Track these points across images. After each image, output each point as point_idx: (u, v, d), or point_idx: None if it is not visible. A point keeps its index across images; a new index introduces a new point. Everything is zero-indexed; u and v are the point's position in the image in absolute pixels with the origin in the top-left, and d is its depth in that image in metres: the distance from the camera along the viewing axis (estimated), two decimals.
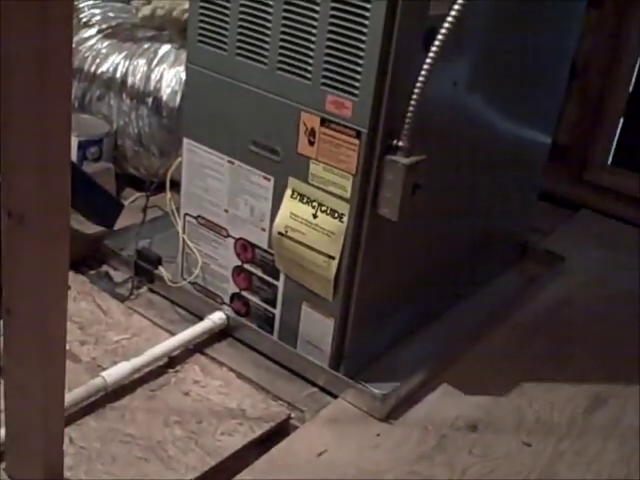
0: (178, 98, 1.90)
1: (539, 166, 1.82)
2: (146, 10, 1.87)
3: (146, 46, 2.00)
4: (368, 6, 1.18)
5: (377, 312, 1.47)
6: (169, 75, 1.93)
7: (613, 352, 1.65)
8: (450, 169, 1.47)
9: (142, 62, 1.97)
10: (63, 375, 1.07)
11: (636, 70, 2.15)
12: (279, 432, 1.35)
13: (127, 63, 1.98)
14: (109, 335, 1.54)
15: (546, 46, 1.61)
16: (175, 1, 1.80)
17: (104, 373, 1.37)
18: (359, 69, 1.22)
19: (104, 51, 2.02)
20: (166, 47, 1.97)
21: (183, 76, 1.91)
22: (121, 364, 1.40)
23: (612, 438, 1.41)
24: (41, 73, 0.84)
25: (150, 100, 1.94)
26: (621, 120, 2.21)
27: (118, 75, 1.98)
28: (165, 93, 1.93)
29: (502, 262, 1.84)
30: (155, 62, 1.96)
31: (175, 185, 1.61)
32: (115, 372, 1.38)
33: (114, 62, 2.00)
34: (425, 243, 1.50)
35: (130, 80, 1.97)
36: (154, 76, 1.95)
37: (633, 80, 2.16)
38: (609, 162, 2.26)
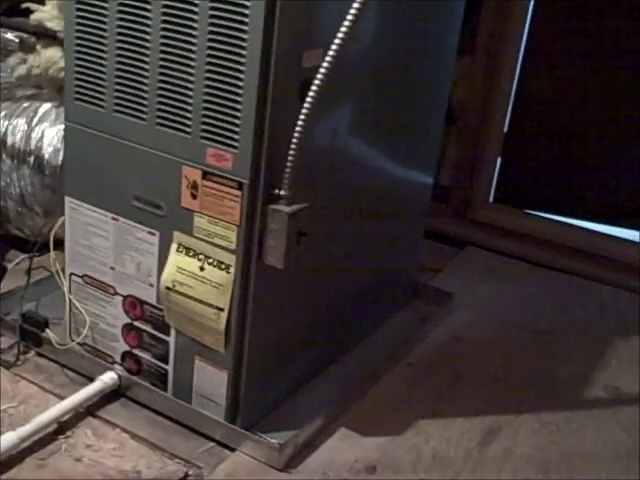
0: (60, 156, 1.87)
1: (423, 206, 1.87)
2: (22, 70, 1.83)
3: (25, 105, 1.96)
4: (243, 60, 1.20)
5: (271, 361, 1.46)
6: (50, 133, 1.90)
7: (503, 384, 1.69)
8: (335, 214, 1.49)
9: (22, 121, 1.93)
10: None
11: (509, 112, 2.25)
12: None
13: (6, 123, 1.94)
14: None
15: (421, 93, 1.67)
16: (51, 59, 1.78)
17: None
18: (237, 122, 1.23)
19: None
20: (46, 105, 1.94)
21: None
22: (7, 435, 1.34)
23: (506, 468, 1.44)
24: None
25: (32, 159, 1.90)
26: (499, 159, 2.30)
27: None
28: (47, 152, 1.89)
29: (394, 302, 1.87)
30: (35, 121, 1.92)
31: (60, 244, 1.58)
32: (1, 444, 1.32)
33: None
34: (315, 289, 1.51)
35: (10, 140, 1.93)
36: (35, 135, 1.91)
37: (507, 121, 2.26)
38: (491, 200, 2.34)
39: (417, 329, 1.83)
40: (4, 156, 1.93)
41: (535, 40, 2.18)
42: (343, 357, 1.66)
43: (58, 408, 1.44)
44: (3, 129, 1.93)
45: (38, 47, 1.80)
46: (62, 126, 1.88)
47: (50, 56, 1.78)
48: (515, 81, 2.22)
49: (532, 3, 2.17)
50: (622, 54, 2.13)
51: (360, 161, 1.54)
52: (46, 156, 1.89)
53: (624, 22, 2.11)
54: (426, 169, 1.82)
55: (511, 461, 1.45)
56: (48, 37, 1.82)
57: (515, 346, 1.84)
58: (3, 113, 1.95)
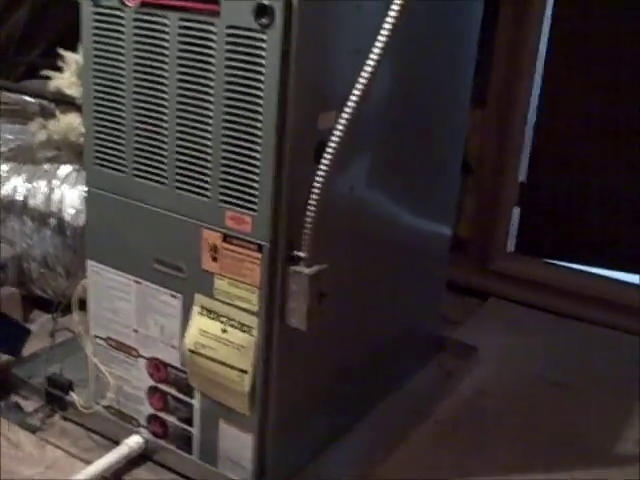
0: (82, 218, 1.89)
1: (443, 259, 1.86)
2: (42, 135, 1.87)
3: (46, 167, 1.99)
4: (259, 125, 1.21)
5: (296, 422, 1.45)
6: (71, 195, 1.93)
7: (530, 440, 1.67)
8: (354, 270, 1.49)
9: (43, 183, 1.96)
10: None
11: (525, 161, 2.25)
12: None
13: (27, 185, 1.97)
14: (20, 470, 1.48)
15: (436, 145, 1.68)
16: (70, 125, 1.81)
17: None
18: (255, 185, 1.25)
19: (4, 174, 2.00)
20: (67, 168, 1.97)
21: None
22: None
23: None
24: None
25: (53, 221, 1.93)
26: (517, 209, 2.29)
27: (19, 198, 1.97)
28: (68, 213, 1.91)
29: (418, 357, 1.86)
30: (56, 183, 1.95)
31: (84, 305, 1.58)
32: None
33: (14, 185, 1.98)
34: (338, 347, 1.51)
35: (31, 202, 1.95)
36: (55, 197, 1.93)
37: (525, 170, 2.26)
38: (511, 250, 2.34)
39: (442, 384, 1.81)
40: (26, 218, 1.96)
41: (549, 88, 2.20)
42: (368, 415, 1.64)
43: (85, 474, 1.43)
44: (25, 192, 1.96)
45: (57, 113, 1.84)
46: (82, 188, 1.90)
47: (69, 122, 1.82)
48: (529, 130, 2.22)
49: (544, 48, 2.18)
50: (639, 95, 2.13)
51: (378, 215, 1.54)
52: (67, 218, 1.92)
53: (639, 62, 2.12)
54: (444, 221, 1.82)
55: None
56: (67, 103, 1.85)
57: (540, 400, 1.82)
58: (25, 176, 1.98)
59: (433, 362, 1.89)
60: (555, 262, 2.31)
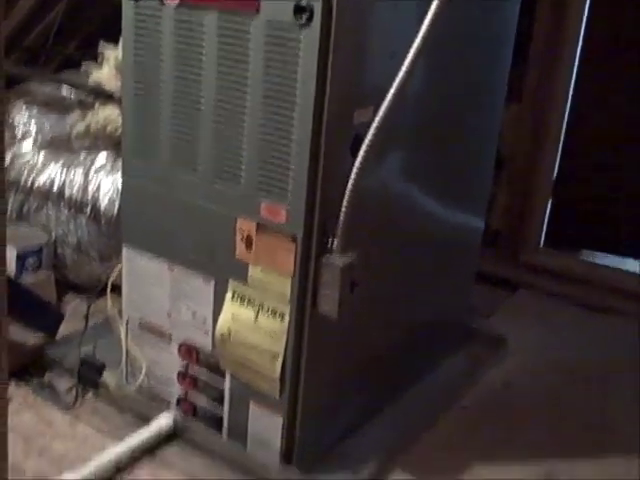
0: (116, 206, 1.94)
1: (474, 250, 1.89)
2: (80, 127, 1.92)
3: (82, 156, 2.04)
4: (296, 117, 1.26)
5: (325, 405, 1.50)
6: (106, 184, 1.98)
7: (558, 429, 1.70)
8: (387, 260, 1.53)
9: (79, 172, 2.01)
10: None
11: (559, 156, 2.27)
12: None
13: (64, 174, 2.02)
14: (54, 446, 1.53)
15: (471, 139, 1.71)
16: (108, 117, 1.86)
17: None
18: (290, 177, 1.29)
19: (40, 163, 2.06)
20: (102, 157, 2.02)
21: (120, 184, 1.96)
22: (65, 476, 1.39)
23: None
24: None
25: (88, 209, 1.98)
26: (549, 202, 2.32)
27: (55, 186, 2.02)
28: (103, 202, 1.97)
29: (448, 346, 1.88)
30: (92, 172, 2.00)
31: (117, 289, 1.63)
32: None
33: (51, 174, 2.04)
34: (367, 333, 1.55)
35: (68, 191, 2.01)
36: (91, 186, 1.99)
37: (557, 164, 2.28)
38: (541, 243, 2.36)
39: (470, 373, 1.85)
40: (62, 206, 2.01)
41: (584, 82, 2.22)
42: (396, 401, 1.68)
43: (116, 450, 1.49)
44: (61, 180, 2.02)
45: (96, 106, 1.89)
46: (117, 176, 1.96)
47: (107, 114, 1.87)
48: (564, 124, 2.25)
49: (580, 46, 2.21)
50: None
51: (411, 207, 1.58)
52: (102, 206, 1.97)
53: None
54: (477, 213, 1.85)
55: None
56: (106, 96, 1.91)
57: (569, 391, 1.84)
58: (61, 164, 2.04)
59: (462, 352, 1.91)
60: (585, 255, 2.34)
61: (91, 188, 1.98)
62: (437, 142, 1.58)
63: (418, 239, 1.63)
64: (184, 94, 1.38)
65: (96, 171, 2.00)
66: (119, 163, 1.98)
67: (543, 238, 2.38)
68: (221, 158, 1.37)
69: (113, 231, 1.94)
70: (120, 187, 1.94)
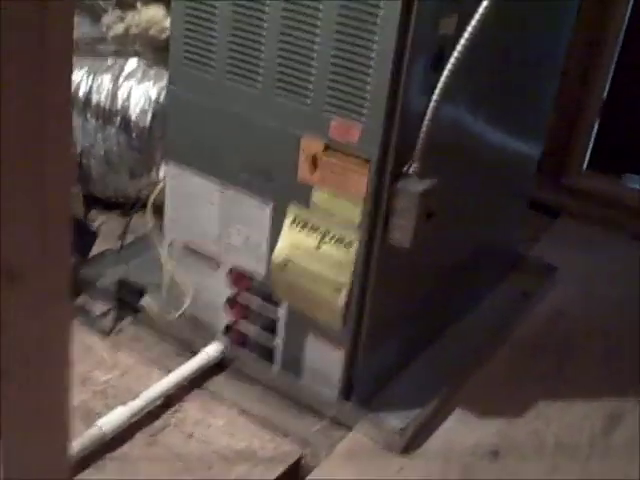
0: (149, 117, 1.81)
1: (531, 177, 1.79)
2: (119, 28, 1.76)
3: (110, 62, 1.89)
4: (378, 21, 1.12)
5: (385, 338, 1.42)
6: (137, 93, 1.84)
7: (616, 365, 1.63)
8: (456, 190, 1.42)
9: (107, 79, 1.87)
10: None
11: (610, 74, 2.15)
12: (292, 472, 1.29)
13: (90, 80, 1.88)
14: (96, 375, 1.45)
15: (536, 77, 1.59)
16: (153, 19, 1.71)
17: (100, 422, 1.28)
18: (367, 91, 1.16)
19: None
20: (132, 62, 1.87)
21: (153, 94, 1.82)
22: (117, 410, 1.31)
23: (635, 459, 1.37)
24: (39, 112, 0.74)
25: (118, 120, 1.85)
26: (596, 124, 2.21)
27: (81, 93, 1.88)
28: (134, 112, 1.83)
29: (496, 275, 1.80)
30: (121, 79, 1.86)
31: (154, 207, 1.52)
32: (112, 420, 1.29)
33: (75, 80, 1.89)
34: (430, 265, 1.46)
35: (95, 98, 1.87)
36: (121, 94, 1.85)
37: (608, 85, 2.16)
38: (585, 166, 2.26)
39: (521, 304, 1.75)
40: (89, 115, 1.88)
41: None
42: (447, 333, 1.60)
43: (165, 381, 1.40)
44: (87, 87, 1.87)
45: (138, 5, 1.73)
46: (150, 84, 1.82)
47: (152, 15, 1.71)
48: (618, 47, 2.12)
49: None
50: None
51: (478, 133, 1.46)
52: (133, 117, 1.83)
53: None
54: (537, 138, 1.74)
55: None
56: None
57: (622, 323, 1.76)
58: (87, 69, 1.89)
59: (510, 280, 1.81)
60: (629, 181, 2.23)
61: (120, 96, 1.84)
62: (506, 75, 1.45)
63: (482, 167, 1.52)
64: None
65: (126, 78, 1.85)
66: (151, 72, 1.85)
67: (587, 161, 2.26)
68: (287, 68, 1.23)
69: (145, 145, 1.82)
70: (153, 97, 1.82)
